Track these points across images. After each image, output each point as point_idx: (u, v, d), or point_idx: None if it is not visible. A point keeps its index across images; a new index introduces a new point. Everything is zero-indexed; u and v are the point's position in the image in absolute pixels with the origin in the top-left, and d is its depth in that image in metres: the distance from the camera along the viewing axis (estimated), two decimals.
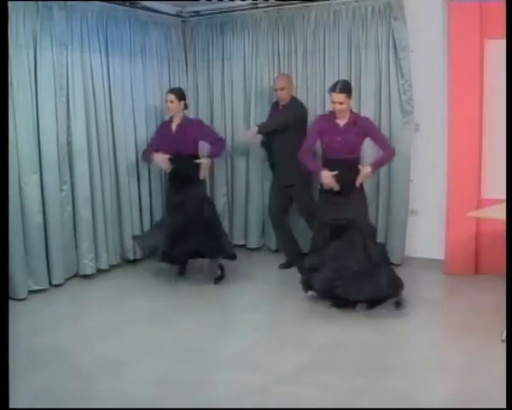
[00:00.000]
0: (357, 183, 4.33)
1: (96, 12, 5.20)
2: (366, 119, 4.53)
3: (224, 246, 5.14)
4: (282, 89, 5.29)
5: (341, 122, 4.34)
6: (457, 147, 5.12)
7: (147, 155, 5.29)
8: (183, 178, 5.10)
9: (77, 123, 5.08)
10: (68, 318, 4.36)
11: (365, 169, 4.35)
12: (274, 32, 5.87)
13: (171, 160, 5.11)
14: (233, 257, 5.12)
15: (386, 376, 3.36)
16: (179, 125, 5.12)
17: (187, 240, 4.94)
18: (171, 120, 5.19)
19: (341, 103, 4.26)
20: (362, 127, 4.35)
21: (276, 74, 5.71)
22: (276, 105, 5.50)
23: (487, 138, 5.07)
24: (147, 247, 5.23)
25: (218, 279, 5.12)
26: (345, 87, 4.32)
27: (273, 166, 5.55)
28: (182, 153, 5.06)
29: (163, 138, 5.21)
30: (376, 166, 4.49)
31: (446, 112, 5.19)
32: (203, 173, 5.16)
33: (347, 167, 4.32)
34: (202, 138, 5.23)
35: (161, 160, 5.11)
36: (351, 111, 4.40)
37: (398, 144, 5.31)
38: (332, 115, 4.38)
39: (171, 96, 5.10)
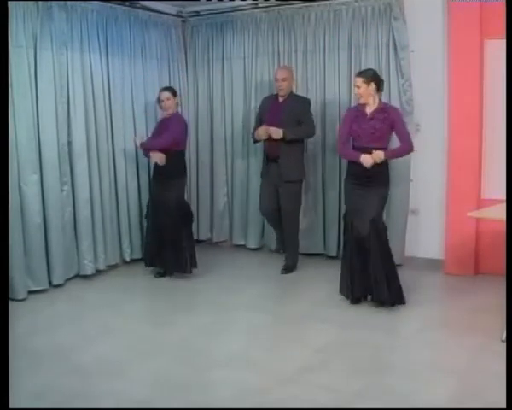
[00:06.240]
0: (367, 161, 4.26)
1: (95, 12, 5.20)
2: (395, 109, 4.56)
3: (181, 260, 5.12)
4: (283, 79, 5.22)
5: (369, 110, 4.36)
6: (457, 147, 5.12)
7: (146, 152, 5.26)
8: (165, 174, 5.11)
9: (77, 123, 5.08)
10: (68, 318, 4.37)
11: (378, 153, 4.28)
12: (274, 32, 5.87)
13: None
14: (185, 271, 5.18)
15: (387, 376, 3.37)
16: (168, 119, 5.15)
17: (154, 246, 5.20)
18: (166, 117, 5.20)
19: (358, 87, 4.30)
20: (389, 114, 4.34)
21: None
22: (275, 98, 5.37)
23: (487, 138, 5.07)
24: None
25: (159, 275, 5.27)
26: (365, 73, 4.38)
27: (269, 161, 5.35)
28: (168, 148, 5.08)
29: (157, 131, 5.25)
30: (390, 154, 4.38)
31: (446, 112, 5.19)
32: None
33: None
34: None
35: (158, 157, 5.08)
36: (380, 100, 4.40)
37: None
38: (359, 106, 4.41)
39: (167, 94, 5.10)
